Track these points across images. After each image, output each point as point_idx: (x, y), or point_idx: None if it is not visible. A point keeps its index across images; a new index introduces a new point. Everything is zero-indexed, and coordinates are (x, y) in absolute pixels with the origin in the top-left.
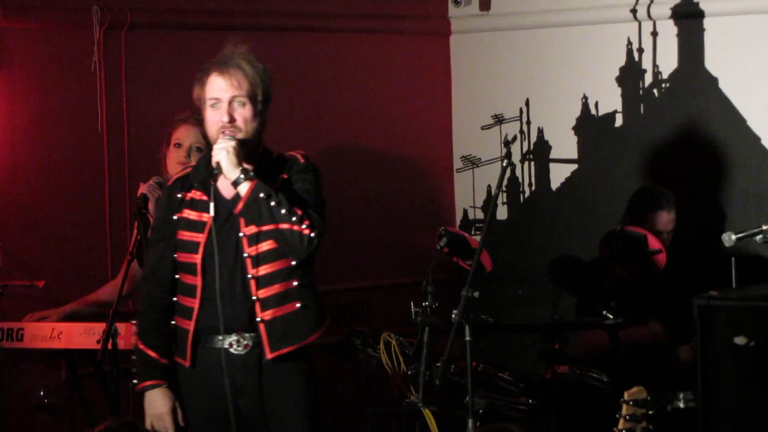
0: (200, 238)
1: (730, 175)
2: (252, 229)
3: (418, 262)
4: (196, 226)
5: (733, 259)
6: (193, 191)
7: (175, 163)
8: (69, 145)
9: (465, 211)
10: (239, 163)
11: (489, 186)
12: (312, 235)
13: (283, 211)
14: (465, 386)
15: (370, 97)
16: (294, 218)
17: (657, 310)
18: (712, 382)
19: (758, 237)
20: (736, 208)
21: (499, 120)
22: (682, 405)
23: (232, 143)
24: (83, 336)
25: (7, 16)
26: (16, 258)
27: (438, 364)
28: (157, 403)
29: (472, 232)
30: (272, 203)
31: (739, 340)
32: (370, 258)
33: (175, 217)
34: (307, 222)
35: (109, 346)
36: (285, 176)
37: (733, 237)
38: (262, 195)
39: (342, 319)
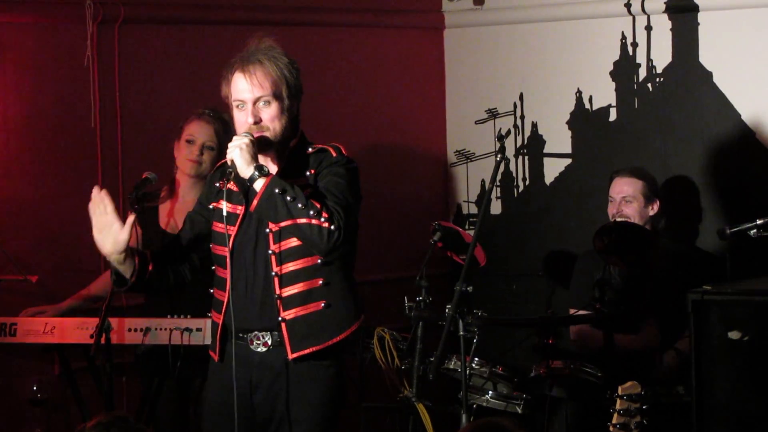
0: (231, 230)
1: (725, 170)
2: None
3: (412, 257)
4: (229, 218)
5: (727, 255)
6: (231, 182)
7: (185, 159)
8: (62, 139)
9: (459, 206)
10: (253, 160)
11: (483, 180)
12: (332, 228)
13: (300, 205)
14: (459, 381)
15: (363, 92)
16: (312, 212)
17: (651, 306)
18: (706, 376)
19: (752, 231)
20: (730, 203)
21: (493, 114)
22: (676, 399)
23: (246, 140)
24: (77, 331)
25: (0, 10)
26: (9, 252)
27: (432, 359)
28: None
29: (466, 227)
30: (288, 198)
31: (733, 335)
32: (363, 252)
33: (211, 206)
34: (325, 215)
35: (102, 340)
36: (312, 171)
37: (728, 231)
38: (277, 190)
39: None
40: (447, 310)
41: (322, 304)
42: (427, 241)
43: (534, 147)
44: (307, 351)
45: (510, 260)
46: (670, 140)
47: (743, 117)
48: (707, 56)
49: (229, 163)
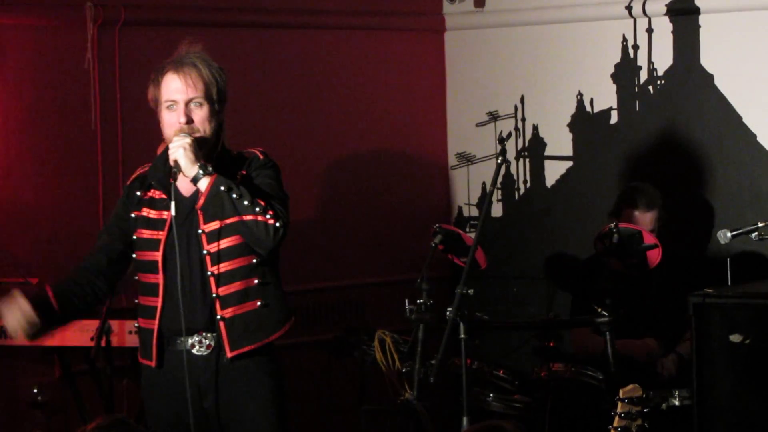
0: (160, 235)
1: (726, 173)
2: (212, 226)
3: (413, 260)
4: (156, 224)
5: (728, 259)
6: (152, 190)
7: None
8: (62, 141)
9: (460, 209)
10: (197, 159)
11: (484, 183)
12: (277, 225)
13: (246, 202)
14: (460, 384)
15: (364, 95)
16: (257, 209)
17: (651, 310)
18: (707, 379)
19: (753, 234)
20: (731, 206)
21: (493, 117)
22: (677, 403)
23: (188, 140)
24: (77, 333)
25: (1, 12)
26: (10, 255)
27: (433, 362)
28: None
29: (467, 230)
30: (234, 195)
31: (735, 338)
32: (364, 255)
33: (132, 215)
34: (271, 212)
35: (103, 343)
36: (243, 173)
37: (729, 234)
38: (222, 188)
39: (336, 316)
40: (448, 313)
41: (259, 303)
42: (428, 244)
43: (535, 149)
44: (245, 349)
45: (511, 263)
46: (671, 143)
47: (744, 119)
48: (708, 59)
49: (172, 163)
